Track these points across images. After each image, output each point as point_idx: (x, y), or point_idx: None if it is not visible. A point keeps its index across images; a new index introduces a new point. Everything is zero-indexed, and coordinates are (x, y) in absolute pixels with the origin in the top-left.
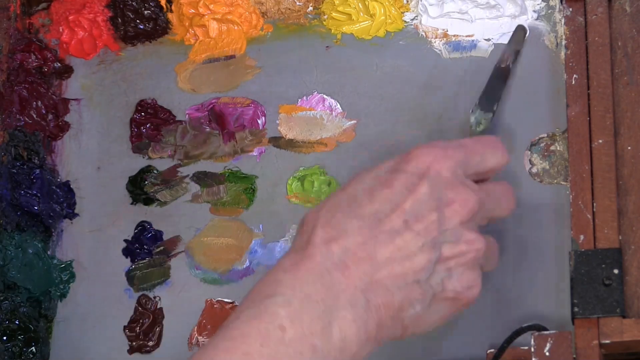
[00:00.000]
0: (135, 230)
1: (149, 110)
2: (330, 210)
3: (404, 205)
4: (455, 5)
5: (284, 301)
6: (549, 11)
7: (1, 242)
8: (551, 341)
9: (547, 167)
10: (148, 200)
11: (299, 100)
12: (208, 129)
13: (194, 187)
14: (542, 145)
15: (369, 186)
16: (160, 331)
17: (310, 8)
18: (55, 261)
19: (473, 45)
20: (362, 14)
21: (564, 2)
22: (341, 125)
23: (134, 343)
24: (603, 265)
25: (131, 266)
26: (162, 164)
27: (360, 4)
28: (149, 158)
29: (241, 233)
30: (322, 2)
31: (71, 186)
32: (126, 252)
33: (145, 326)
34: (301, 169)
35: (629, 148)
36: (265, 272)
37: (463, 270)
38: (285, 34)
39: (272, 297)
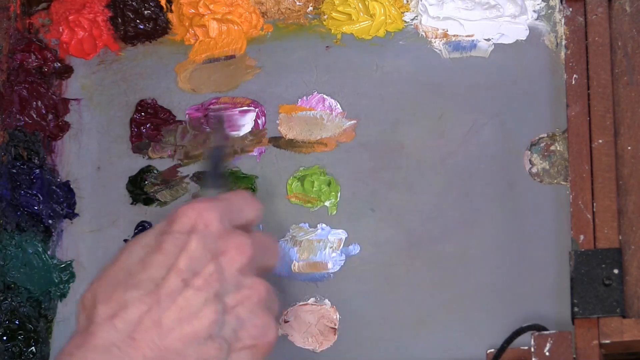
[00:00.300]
0: (135, 231)
1: (149, 110)
2: (107, 286)
3: (178, 264)
4: (455, 5)
5: None
6: (549, 11)
7: (1, 242)
8: (551, 341)
9: (547, 167)
10: (148, 200)
11: (299, 100)
12: (208, 129)
13: (194, 187)
14: (542, 145)
15: (140, 255)
16: None
17: (310, 8)
18: (55, 261)
19: (473, 45)
20: (362, 14)
21: (564, 2)
22: (341, 125)
23: None
24: (603, 265)
25: None
26: (162, 164)
27: (360, 4)
28: (149, 158)
29: None
30: (322, 2)
31: (71, 186)
32: None
33: None
34: (301, 169)
35: (629, 148)
36: None
37: (253, 316)
38: (285, 34)
39: None
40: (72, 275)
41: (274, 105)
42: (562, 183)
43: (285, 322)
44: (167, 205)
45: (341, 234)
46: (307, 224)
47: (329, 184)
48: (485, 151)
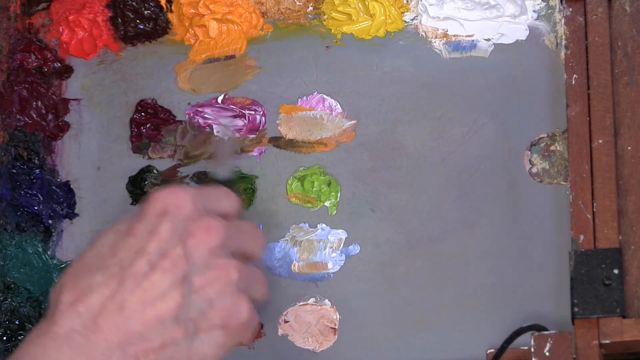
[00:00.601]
0: None
1: (149, 110)
2: (75, 273)
3: (147, 248)
4: (455, 5)
5: None
6: (549, 11)
7: (1, 242)
8: (551, 341)
9: (547, 167)
10: None
11: (299, 100)
12: (208, 129)
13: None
14: (542, 145)
15: (112, 240)
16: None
17: (310, 8)
18: (55, 261)
19: (473, 45)
20: (362, 14)
21: (564, 2)
22: (341, 125)
23: None
24: (603, 265)
25: None
26: (162, 164)
27: (360, 4)
28: (149, 158)
29: None
30: (322, 2)
31: (71, 186)
32: None
33: None
34: (301, 169)
35: (629, 148)
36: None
37: (222, 296)
38: (285, 34)
39: None
40: None
41: (274, 105)
42: (562, 183)
43: (285, 322)
44: None
45: (341, 234)
46: (307, 224)
47: (329, 184)
48: (485, 151)
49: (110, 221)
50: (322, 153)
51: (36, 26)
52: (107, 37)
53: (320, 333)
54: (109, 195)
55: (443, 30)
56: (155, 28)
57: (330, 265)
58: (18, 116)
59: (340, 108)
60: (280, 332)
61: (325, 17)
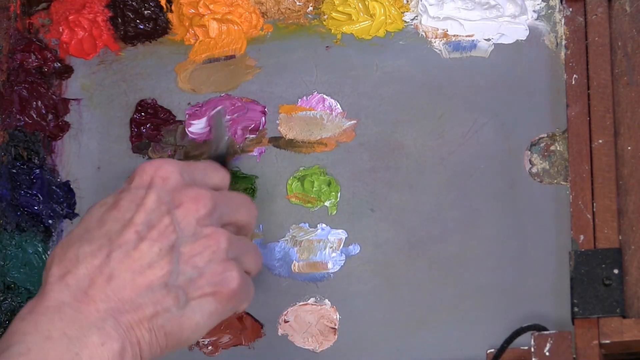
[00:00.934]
0: None
1: (149, 110)
2: (64, 247)
3: (134, 219)
4: (455, 5)
5: (22, 349)
6: (549, 11)
7: (1, 242)
8: (551, 341)
9: (547, 167)
10: None
11: (299, 100)
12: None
13: None
14: (542, 145)
15: (99, 214)
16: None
17: (310, 8)
18: None
19: (473, 45)
20: (362, 14)
21: (564, 2)
22: (341, 125)
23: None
24: (603, 265)
25: None
26: None
27: (360, 4)
28: (149, 158)
29: None
30: (322, 2)
31: (71, 186)
32: None
33: None
34: (301, 169)
35: (629, 148)
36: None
37: (211, 264)
38: (285, 34)
39: (8, 350)
40: None
41: (274, 105)
42: (562, 183)
43: (285, 322)
44: None
45: (341, 234)
46: (307, 224)
47: (329, 184)
48: (485, 151)
49: None
50: (322, 153)
51: (36, 26)
52: (107, 37)
53: (320, 333)
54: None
55: (443, 30)
56: (155, 28)
57: (330, 265)
58: (18, 116)
59: (340, 108)
60: (280, 332)
61: (325, 17)
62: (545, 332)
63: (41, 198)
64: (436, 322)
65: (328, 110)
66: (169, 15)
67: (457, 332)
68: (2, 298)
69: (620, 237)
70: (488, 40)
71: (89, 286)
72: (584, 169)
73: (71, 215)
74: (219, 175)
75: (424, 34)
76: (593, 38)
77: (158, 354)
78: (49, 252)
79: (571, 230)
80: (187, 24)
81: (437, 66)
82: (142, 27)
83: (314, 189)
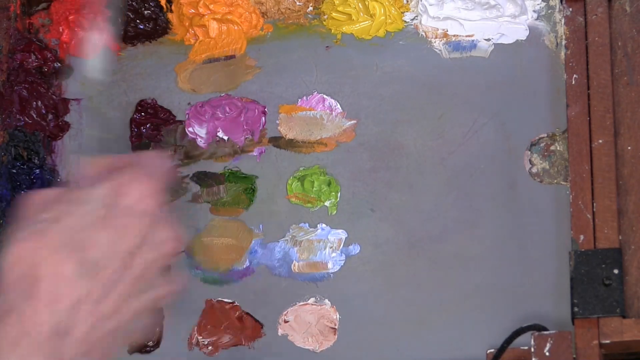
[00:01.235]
0: None
1: (149, 110)
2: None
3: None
4: (455, 5)
5: None
6: (549, 11)
7: (1, 242)
8: (551, 341)
9: (547, 167)
10: None
11: (299, 100)
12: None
13: (194, 187)
14: (542, 145)
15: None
16: (160, 331)
17: (310, 8)
18: None
19: (473, 45)
20: (362, 14)
21: (564, 2)
22: (341, 125)
23: (134, 343)
24: (603, 265)
25: None
26: None
27: (360, 4)
28: None
29: (241, 233)
30: (322, 2)
31: None
32: None
33: None
34: (301, 169)
35: (629, 148)
36: None
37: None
38: (285, 34)
39: None
40: None
41: (274, 105)
42: (562, 183)
43: (285, 322)
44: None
45: (341, 234)
46: (307, 224)
47: (329, 184)
48: (485, 151)
49: None
50: (322, 153)
51: (36, 26)
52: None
53: (320, 333)
54: None
55: (443, 30)
56: (155, 28)
57: (330, 265)
58: (18, 116)
59: (340, 108)
60: (280, 332)
61: (325, 17)
62: (545, 332)
63: None
64: (436, 322)
65: (328, 110)
66: (169, 15)
67: (457, 332)
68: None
69: (620, 237)
70: (488, 40)
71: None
72: (584, 169)
73: None
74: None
75: (424, 34)
76: (593, 38)
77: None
78: None
79: (571, 230)
80: (187, 24)
81: (437, 66)
82: (142, 27)
83: (314, 189)
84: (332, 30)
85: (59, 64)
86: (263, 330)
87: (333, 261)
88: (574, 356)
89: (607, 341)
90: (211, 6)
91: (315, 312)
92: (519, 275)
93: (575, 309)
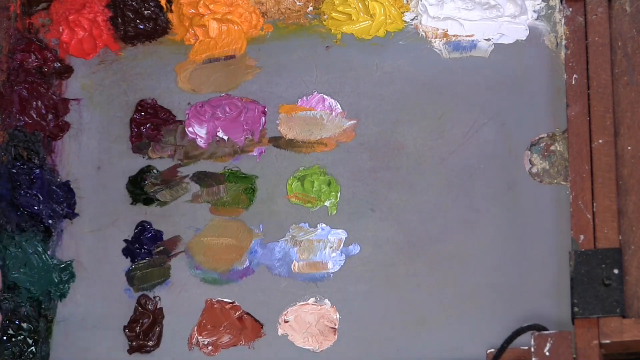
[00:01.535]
0: (135, 230)
1: (149, 110)
2: None
3: None
4: (455, 5)
5: None
6: (549, 11)
7: (1, 242)
8: (551, 341)
9: (547, 167)
10: (148, 200)
11: (299, 100)
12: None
13: (194, 187)
14: (542, 145)
15: None
16: (160, 331)
17: (310, 8)
18: (55, 261)
19: (473, 45)
20: (362, 14)
21: (564, 2)
22: (341, 125)
23: (134, 343)
24: (603, 265)
25: (131, 266)
26: (162, 164)
27: (360, 4)
28: (149, 158)
29: (241, 233)
30: (322, 2)
31: (71, 186)
32: (126, 252)
33: (145, 326)
34: (301, 169)
35: (629, 148)
36: None
37: None
38: (285, 34)
39: None
40: (72, 275)
41: (274, 105)
42: (562, 183)
43: (285, 322)
44: (167, 205)
45: (341, 234)
46: (307, 224)
47: (329, 184)
48: (485, 151)
49: (110, 221)
50: (322, 153)
51: (36, 26)
52: (107, 37)
53: (320, 333)
54: (109, 195)
55: (443, 30)
56: (155, 28)
57: (330, 265)
58: (18, 116)
59: (340, 108)
60: (280, 332)
61: (325, 17)
62: (545, 332)
63: (41, 198)
64: (436, 322)
65: (328, 110)
66: (169, 15)
67: (457, 332)
68: (2, 298)
69: (620, 237)
70: (488, 40)
71: None
72: (584, 169)
73: (71, 215)
74: None
75: (424, 34)
76: (593, 38)
77: None
78: (49, 252)
79: (571, 230)
80: (187, 24)
81: (437, 66)
82: (142, 27)
83: (314, 189)
84: (332, 30)
85: (59, 64)
86: (263, 330)
87: (333, 261)
88: (574, 356)
89: (607, 341)
90: (211, 6)
91: (315, 312)
92: (519, 275)
93: (575, 309)
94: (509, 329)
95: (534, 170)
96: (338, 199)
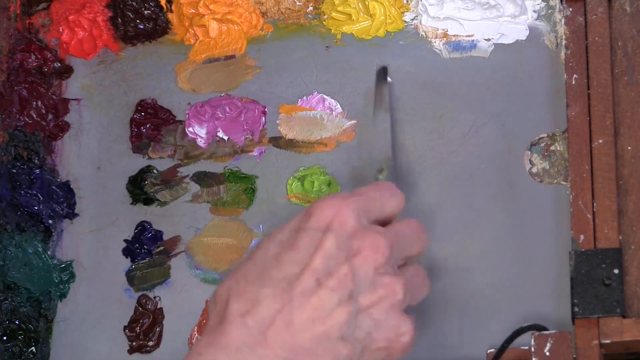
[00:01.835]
0: (135, 230)
1: (149, 110)
2: (240, 282)
3: (312, 263)
4: (455, 5)
5: None
6: (549, 11)
7: (1, 242)
8: (551, 341)
9: (547, 167)
10: (148, 200)
11: (299, 100)
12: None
13: (194, 187)
14: (542, 145)
15: (275, 251)
16: (160, 331)
17: (310, 8)
18: (55, 261)
19: (473, 45)
20: (362, 14)
21: (564, 2)
22: (341, 125)
23: (134, 343)
24: (603, 265)
25: (131, 266)
26: (162, 164)
27: (360, 4)
28: (149, 158)
29: (241, 233)
30: (322, 2)
31: (71, 186)
32: (126, 252)
33: (145, 326)
34: (301, 169)
35: (629, 148)
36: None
37: (388, 317)
38: (285, 34)
39: None
40: (72, 275)
41: (274, 105)
42: (562, 183)
43: None
44: (167, 205)
45: None
46: None
47: (329, 184)
48: (485, 151)
49: (110, 221)
50: (322, 153)
51: (36, 26)
52: (107, 37)
53: None
54: (109, 195)
55: (443, 30)
56: (155, 28)
57: None
58: (18, 116)
59: (340, 108)
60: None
61: (325, 17)
62: (545, 332)
63: (41, 198)
64: (436, 322)
65: (328, 110)
66: (169, 15)
67: (457, 332)
68: (2, 298)
69: (620, 237)
70: (488, 40)
71: (268, 329)
72: (584, 169)
73: (71, 215)
74: (395, 202)
75: (424, 34)
76: (593, 38)
77: None
78: (49, 252)
79: (571, 230)
80: (187, 24)
81: (437, 66)
82: (142, 27)
83: (314, 189)
84: (332, 30)
85: (59, 64)
86: None
87: None
88: (574, 356)
89: (607, 341)
90: (211, 6)
91: None
92: (519, 275)
93: (575, 309)
94: (509, 329)
95: (534, 170)
96: None
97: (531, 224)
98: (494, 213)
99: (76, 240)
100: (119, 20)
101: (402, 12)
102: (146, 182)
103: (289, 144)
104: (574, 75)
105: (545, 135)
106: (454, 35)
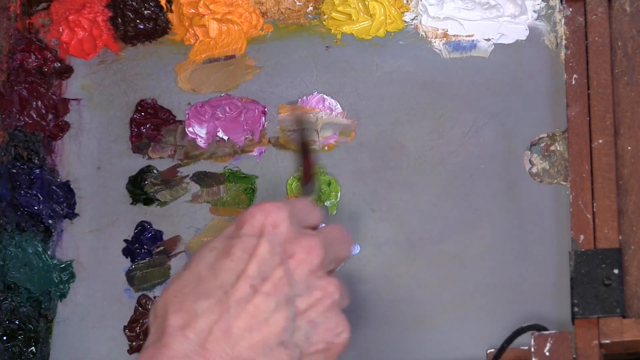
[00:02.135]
0: (135, 230)
1: (149, 110)
2: (177, 295)
3: (247, 270)
4: (455, 5)
5: None
6: (549, 11)
7: (1, 242)
8: (551, 341)
9: (547, 167)
10: (148, 200)
11: (299, 100)
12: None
13: (194, 187)
14: (542, 145)
15: (210, 261)
16: None
17: (310, 8)
18: (55, 261)
19: (473, 45)
20: (362, 14)
21: (564, 2)
22: (341, 125)
23: (134, 343)
24: (603, 265)
25: (131, 266)
26: (162, 164)
27: (360, 4)
28: (149, 158)
29: None
30: (322, 2)
31: (71, 186)
32: (126, 252)
33: (145, 326)
34: (301, 169)
35: (629, 148)
36: None
37: (326, 319)
38: (285, 34)
39: None
40: (72, 275)
41: (274, 105)
42: (562, 183)
43: None
44: (167, 205)
45: None
46: None
47: (329, 184)
48: (485, 151)
49: (110, 221)
50: (322, 153)
51: (36, 26)
52: (107, 37)
53: None
54: (109, 195)
55: (443, 30)
56: (155, 28)
57: None
58: (18, 116)
59: (340, 108)
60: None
61: (325, 17)
62: (545, 332)
63: (41, 198)
64: (436, 322)
65: (328, 110)
66: (169, 15)
67: (457, 332)
68: (2, 298)
69: (620, 237)
70: (488, 40)
71: (208, 341)
72: (584, 169)
73: (71, 215)
74: (318, 214)
75: (424, 34)
76: (593, 38)
77: None
78: (49, 252)
79: (571, 230)
80: (187, 24)
81: (437, 66)
82: (142, 27)
83: None
84: (332, 30)
85: (59, 64)
86: None
87: None
88: (574, 356)
89: (607, 341)
90: (211, 6)
91: None
92: (519, 275)
93: (575, 309)
94: (509, 329)
95: (534, 170)
96: (338, 199)
97: (531, 224)
98: (494, 213)
99: (76, 240)
100: (119, 20)
101: (402, 12)
102: (146, 182)
103: (289, 144)
104: (574, 75)
105: (545, 135)
106: (454, 35)
